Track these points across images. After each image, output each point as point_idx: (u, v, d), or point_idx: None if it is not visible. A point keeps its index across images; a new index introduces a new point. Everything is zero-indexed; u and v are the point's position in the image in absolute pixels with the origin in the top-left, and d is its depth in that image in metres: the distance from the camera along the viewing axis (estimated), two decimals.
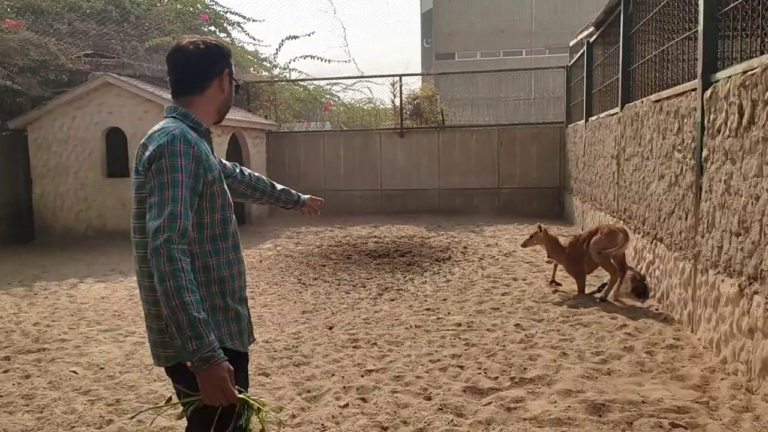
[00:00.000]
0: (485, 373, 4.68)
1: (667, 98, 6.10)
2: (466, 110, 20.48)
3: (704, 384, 4.30)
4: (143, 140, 2.24)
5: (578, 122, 12.32)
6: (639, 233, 7.16)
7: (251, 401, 2.22)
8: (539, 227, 7.31)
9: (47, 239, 12.20)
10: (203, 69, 2.35)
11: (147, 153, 2.15)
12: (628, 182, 7.75)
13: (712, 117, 4.85)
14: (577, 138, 12.30)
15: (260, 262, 9.76)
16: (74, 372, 4.97)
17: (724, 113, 4.59)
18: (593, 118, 10.56)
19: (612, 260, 6.72)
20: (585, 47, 11.38)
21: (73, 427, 4.00)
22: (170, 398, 2.43)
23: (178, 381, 2.28)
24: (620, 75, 8.16)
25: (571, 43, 14.68)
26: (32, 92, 12.00)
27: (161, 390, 4.52)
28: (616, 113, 8.39)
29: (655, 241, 6.50)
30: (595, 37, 10.62)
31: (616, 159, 8.44)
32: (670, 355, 4.90)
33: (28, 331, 6.15)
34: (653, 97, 6.59)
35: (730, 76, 4.52)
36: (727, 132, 4.52)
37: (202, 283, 2.20)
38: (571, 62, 14.01)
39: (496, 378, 4.57)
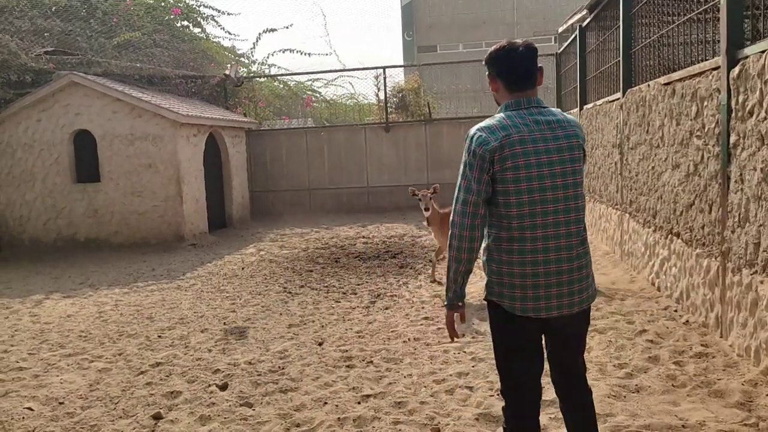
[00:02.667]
0: (498, 394, 4.11)
1: (681, 80, 5.58)
2: (452, 103, 19.94)
3: (748, 401, 3.78)
4: (559, 120, 2.52)
5: (571, 111, 11.81)
6: (649, 227, 6.65)
7: None
8: (435, 187, 7.29)
9: (14, 251, 11.47)
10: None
11: (579, 132, 2.54)
12: (633, 173, 7.23)
13: (741, 98, 4.32)
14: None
15: (242, 269, 9.14)
16: (29, 409, 4.34)
17: (758, 92, 4.07)
18: (589, 105, 10.05)
19: None
20: (577, 32, 10.85)
21: None
22: None
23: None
24: (621, 58, 7.63)
25: (560, 29, 14.19)
26: None
27: (127, 430, 3.91)
28: (617, 99, 7.87)
29: (670, 236, 5.99)
30: (588, 21, 10.09)
31: (618, 148, 7.92)
32: (701, 365, 4.38)
33: None
34: (663, 79, 6.06)
35: (764, 51, 3.99)
36: (764, 114, 3.99)
37: None
38: (561, 49, 13.50)
39: None
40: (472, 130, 2.51)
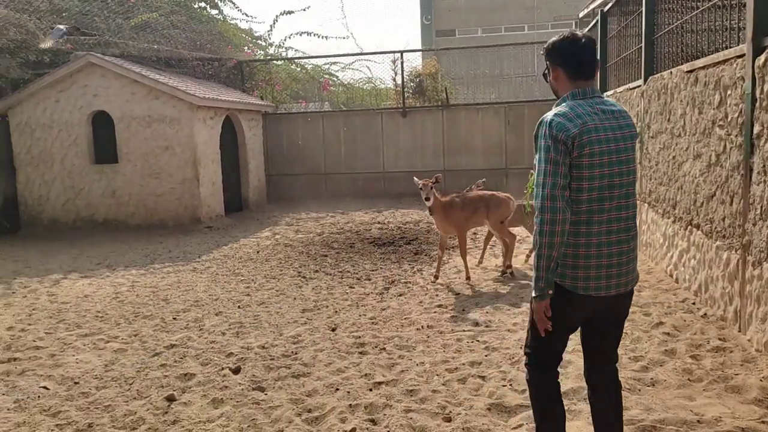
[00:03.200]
0: (511, 385, 4.10)
1: (704, 67, 5.45)
2: (470, 88, 19.76)
3: (766, 397, 3.72)
4: (620, 110, 2.68)
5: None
6: (669, 218, 6.55)
7: None
8: (436, 177, 7.04)
9: (33, 231, 11.60)
10: None
11: (633, 122, 2.69)
12: (653, 162, 7.12)
13: (767, 87, 4.21)
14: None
15: (257, 252, 9.17)
16: (45, 388, 4.39)
17: None
18: (609, 93, 9.89)
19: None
20: (598, 17, 10.66)
21: None
22: None
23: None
24: (643, 45, 7.48)
25: (581, 14, 13.95)
26: (11, 75, 11.31)
27: (141, 411, 3.94)
28: (638, 86, 7.73)
29: (689, 227, 5.89)
30: (610, 5, 9.90)
31: (638, 137, 7.79)
32: (718, 359, 4.32)
33: (1, 336, 5.57)
34: (685, 67, 5.93)
35: None
36: None
37: None
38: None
39: (524, 391, 3.98)
40: (549, 117, 2.60)
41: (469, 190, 7.93)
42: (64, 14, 12.49)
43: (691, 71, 5.77)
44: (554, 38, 2.77)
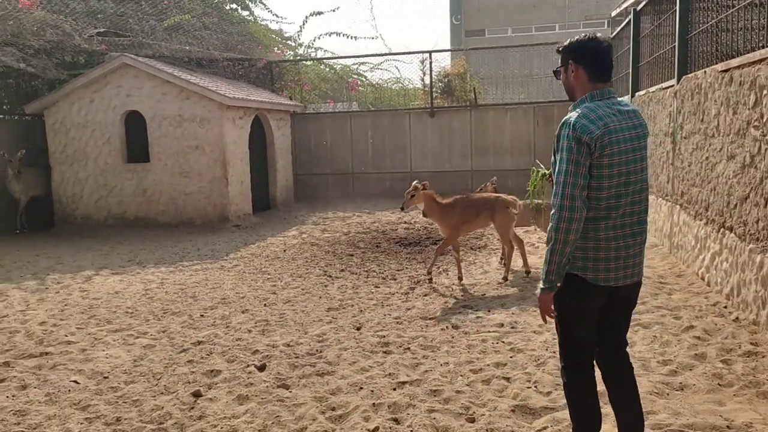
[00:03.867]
0: (536, 387, 4.06)
1: (739, 67, 5.33)
2: (498, 88, 19.62)
3: None
4: (634, 110, 2.82)
5: (622, 98, 11.47)
6: (701, 220, 6.41)
7: None
8: (422, 184, 6.91)
9: (67, 228, 11.85)
10: None
11: (645, 122, 2.85)
12: (686, 163, 6.98)
13: None
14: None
15: (284, 251, 9.23)
16: (75, 382, 4.49)
17: None
18: (641, 92, 9.73)
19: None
20: (631, 16, 10.49)
21: None
22: None
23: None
24: (677, 43, 7.34)
25: (614, 13, 13.75)
26: (48, 75, 11.58)
27: (168, 406, 4.00)
28: (671, 86, 7.58)
29: (722, 229, 5.76)
30: (643, 4, 9.74)
31: (671, 137, 7.66)
32: (750, 364, 4.22)
33: (33, 331, 5.70)
34: (720, 66, 5.81)
35: None
36: None
37: None
38: (614, 33, 13.08)
39: (549, 393, 3.95)
40: (572, 119, 2.71)
41: (482, 188, 7.89)
42: (99, 16, 12.74)
43: (725, 71, 5.65)
44: (577, 37, 2.86)
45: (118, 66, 11.45)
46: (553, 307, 2.83)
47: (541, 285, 2.79)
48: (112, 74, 11.56)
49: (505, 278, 6.95)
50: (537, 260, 7.71)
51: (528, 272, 7.13)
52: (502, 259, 7.83)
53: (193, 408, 3.99)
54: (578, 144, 2.65)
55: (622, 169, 2.71)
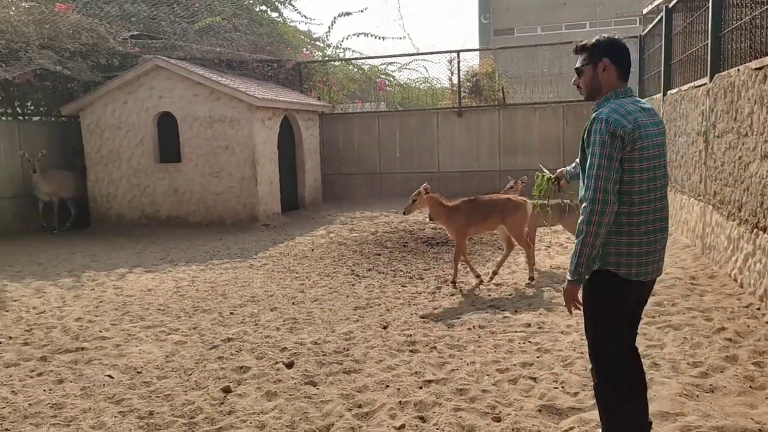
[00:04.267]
0: (563, 387, 4.04)
1: None
2: (527, 87, 19.49)
3: None
4: (650, 108, 2.90)
5: (654, 96, 11.30)
6: (734, 220, 6.30)
7: None
8: (424, 188, 6.84)
9: (101, 226, 12.12)
10: None
11: (661, 119, 2.94)
12: (719, 162, 6.86)
13: None
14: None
15: (312, 250, 9.32)
16: (109, 377, 4.61)
17: None
18: (673, 90, 9.58)
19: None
20: (663, 13, 10.34)
21: None
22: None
23: None
24: (709, 41, 7.22)
25: (645, 11, 13.55)
26: (83, 77, 11.85)
27: (198, 401, 4.09)
28: (704, 84, 7.46)
29: (756, 230, 5.65)
30: (675, 1, 9.59)
31: (703, 136, 7.53)
32: None
33: (69, 327, 5.86)
34: (754, 64, 5.70)
35: None
36: None
37: None
38: (645, 31, 12.90)
39: (576, 394, 3.93)
40: (604, 114, 2.76)
41: (511, 188, 7.86)
42: (132, 19, 13.01)
43: (759, 68, 5.54)
44: (606, 36, 2.95)
45: (151, 68, 11.67)
46: (579, 299, 2.89)
47: (569, 277, 2.83)
48: (145, 76, 11.79)
49: (531, 278, 6.91)
50: (567, 260, 7.66)
51: (532, 278, 6.99)
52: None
53: (222, 403, 4.07)
54: (612, 138, 2.71)
55: (650, 163, 2.78)
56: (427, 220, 7.35)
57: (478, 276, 6.99)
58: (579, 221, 2.77)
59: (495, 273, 7.06)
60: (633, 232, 2.81)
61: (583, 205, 2.77)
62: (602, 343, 2.97)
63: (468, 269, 7.13)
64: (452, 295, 6.54)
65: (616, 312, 2.92)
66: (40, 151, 11.47)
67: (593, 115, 2.83)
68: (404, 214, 7.10)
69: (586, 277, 2.83)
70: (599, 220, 2.71)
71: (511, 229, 6.91)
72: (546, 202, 4.43)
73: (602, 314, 2.93)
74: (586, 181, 2.80)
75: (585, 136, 2.85)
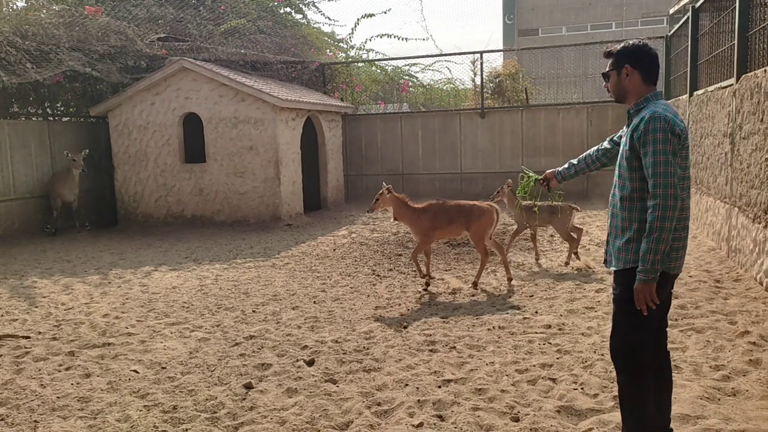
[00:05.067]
0: (582, 388, 4.04)
1: None
2: (551, 88, 19.37)
3: None
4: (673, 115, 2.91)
5: (680, 97, 11.18)
6: (760, 223, 6.22)
7: None
8: (387, 188, 6.89)
9: (128, 225, 12.36)
10: None
11: None
12: (745, 164, 6.78)
13: None
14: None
15: (334, 250, 9.39)
16: (135, 372, 4.71)
17: None
18: (699, 91, 9.47)
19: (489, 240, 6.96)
20: (690, 13, 10.22)
21: None
22: None
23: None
24: (736, 41, 7.13)
25: (672, 11, 13.39)
26: (112, 79, 12.09)
27: (221, 396, 4.17)
28: (730, 85, 7.37)
29: None
30: (702, 1, 9.48)
31: (729, 137, 7.44)
32: None
33: (97, 323, 6.00)
34: None
35: None
36: None
37: None
38: (672, 31, 12.76)
39: (596, 396, 3.93)
40: (663, 114, 2.82)
41: (498, 192, 7.96)
42: (159, 21, 13.22)
43: None
44: (633, 42, 3.04)
45: (178, 69, 11.86)
46: (655, 297, 2.90)
47: (642, 277, 2.83)
48: (171, 77, 11.99)
49: (474, 285, 6.86)
50: (590, 261, 7.63)
51: (510, 279, 7.00)
52: (567, 261, 7.75)
53: (244, 399, 4.14)
54: (673, 136, 2.80)
55: (688, 162, 2.92)
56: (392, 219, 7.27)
57: (424, 276, 7.02)
58: (649, 219, 2.80)
59: (508, 273, 7.09)
60: (680, 227, 2.91)
61: (651, 203, 2.80)
62: (636, 341, 2.98)
63: (478, 270, 7.08)
64: (473, 295, 6.55)
65: (652, 309, 2.92)
66: (83, 150, 11.71)
67: (644, 114, 2.85)
68: (368, 212, 7.25)
69: (655, 275, 2.84)
70: (672, 216, 2.78)
71: (473, 234, 6.88)
72: (533, 203, 4.46)
73: (640, 311, 2.91)
74: (651, 179, 2.80)
75: (636, 135, 2.86)
